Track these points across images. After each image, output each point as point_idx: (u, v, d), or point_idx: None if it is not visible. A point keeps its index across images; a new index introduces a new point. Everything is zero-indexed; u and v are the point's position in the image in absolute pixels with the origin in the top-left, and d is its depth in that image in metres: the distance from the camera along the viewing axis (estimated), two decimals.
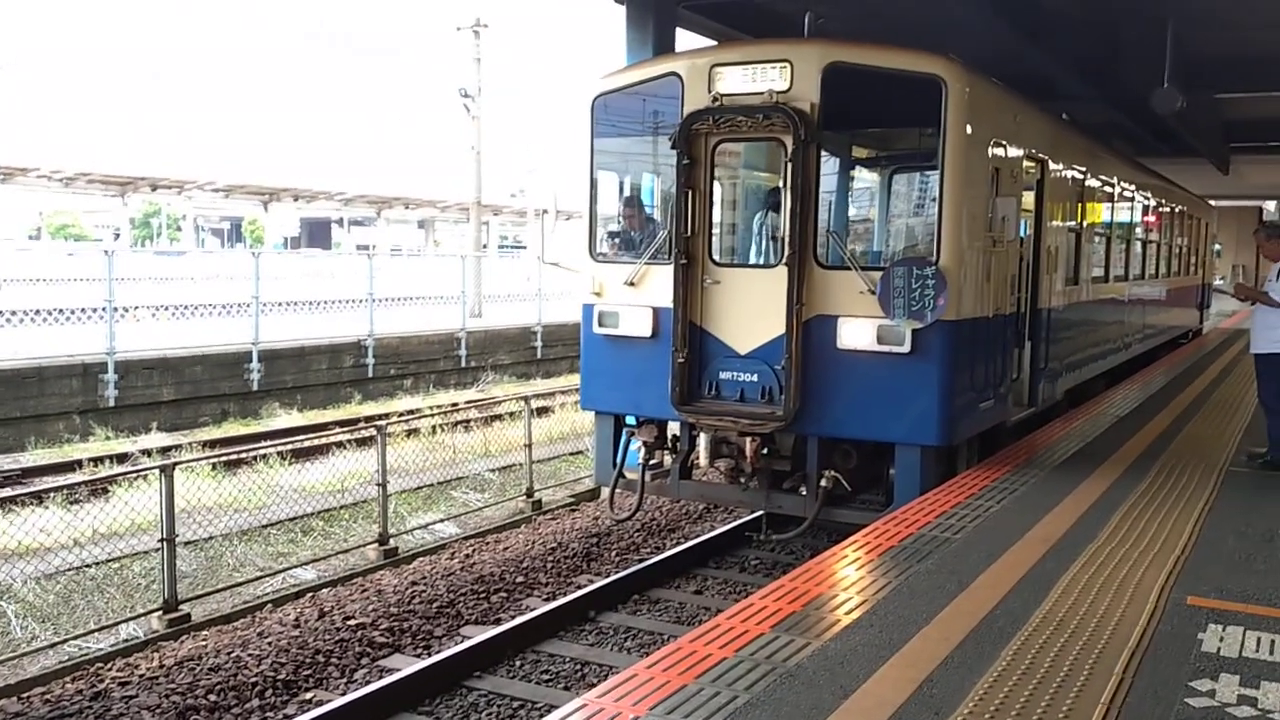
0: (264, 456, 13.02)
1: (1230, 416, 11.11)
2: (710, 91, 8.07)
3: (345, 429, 14.52)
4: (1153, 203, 16.45)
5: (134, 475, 10.66)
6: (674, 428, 8.72)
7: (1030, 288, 9.81)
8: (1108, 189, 13.01)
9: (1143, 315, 16.13)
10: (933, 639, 4.58)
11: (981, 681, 4.13)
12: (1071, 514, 6.80)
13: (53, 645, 7.65)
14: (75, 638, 7.81)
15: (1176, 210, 18.95)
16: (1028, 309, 9.79)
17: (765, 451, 8.18)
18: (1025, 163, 9.26)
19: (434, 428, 14.75)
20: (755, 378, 8.08)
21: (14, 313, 18.43)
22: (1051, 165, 10.11)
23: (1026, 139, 9.22)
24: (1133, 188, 14.67)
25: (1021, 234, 9.38)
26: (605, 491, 9.43)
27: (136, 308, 22.73)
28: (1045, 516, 6.72)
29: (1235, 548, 6.18)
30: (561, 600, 8.39)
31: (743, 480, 8.37)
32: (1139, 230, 15.59)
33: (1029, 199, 9.75)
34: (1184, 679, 4.22)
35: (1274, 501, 7.50)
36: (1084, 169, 11.61)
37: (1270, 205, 41.67)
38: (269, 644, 7.63)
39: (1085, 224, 11.79)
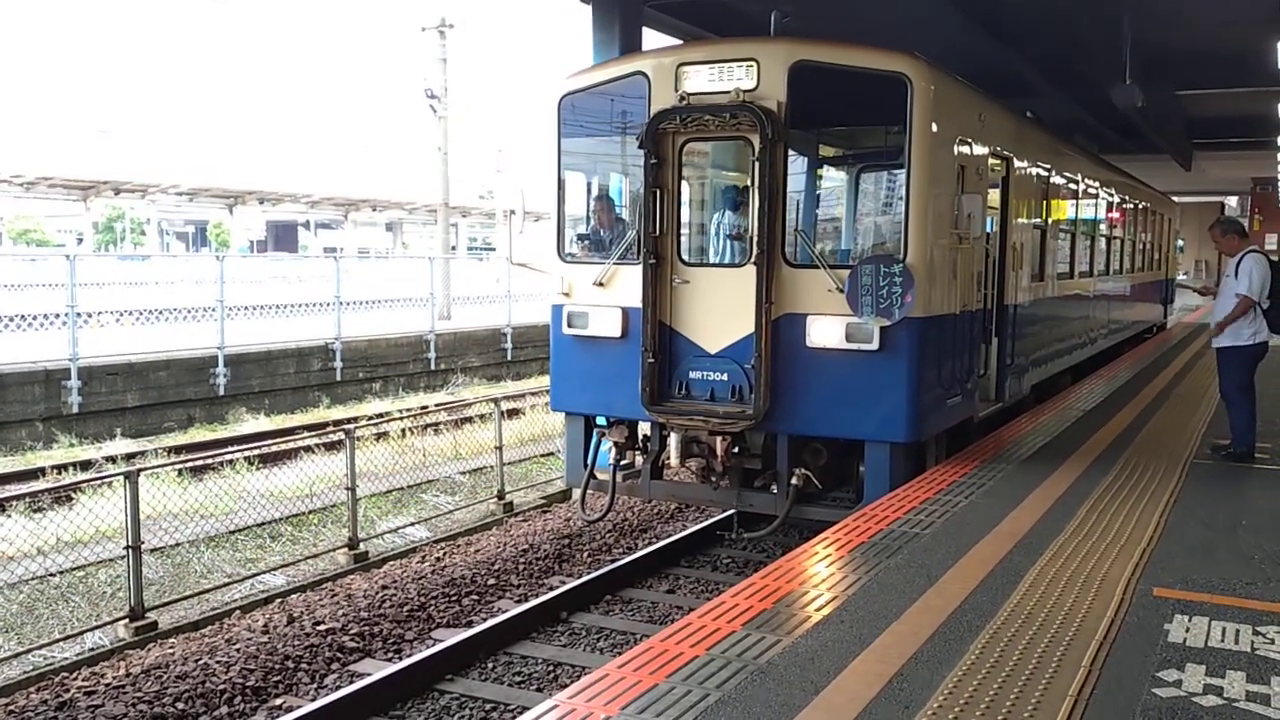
0: (231, 462, 12.89)
1: (1194, 409, 11.24)
2: (677, 91, 8.07)
3: (313, 433, 14.40)
4: (1116, 199, 16.62)
5: (98, 482, 10.52)
6: (645, 428, 8.71)
7: (996, 284, 9.88)
8: (1072, 186, 13.13)
9: (1108, 310, 16.30)
10: (902, 634, 4.60)
11: (950, 675, 4.15)
12: (1038, 508, 6.85)
13: (16, 655, 7.54)
14: (39, 647, 7.69)
15: (1140, 206, 19.16)
16: (994, 305, 9.86)
17: (736, 450, 8.19)
18: (990, 160, 9.33)
19: (403, 431, 14.67)
20: (725, 377, 8.09)
21: None
22: (1016, 162, 10.19)
23: (991, 136, 9.29)
24: (1097, 184, 14.81)
25: (987, 231, 9.45)
26: (576, 493, 9.40)
27: (100, 313, 22.47)
28: (1013, 511, 6.77)
29: (1200, 539, 6.25)
30: (533, 602, 8.36)
31: (714, 479, 8.38)
32: (1103, 226, 15.74)
33: (994, 196, 9.82)
34: (1151, 669, 4.26)
35: (1238, 493, 7.60)
36: (1049, 166, 11.71)
37: (1231, 200, 42.28)
38: (237, 651, 7.56)
39: (1050, 220, 11.90)
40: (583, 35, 12.69)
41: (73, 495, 10.89)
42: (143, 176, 40.94)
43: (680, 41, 13.09)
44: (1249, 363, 8.60)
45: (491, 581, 9.20)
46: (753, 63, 7.88)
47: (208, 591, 9.01)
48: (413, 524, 11.39)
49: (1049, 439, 9.36)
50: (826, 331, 7.77)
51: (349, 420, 15.12)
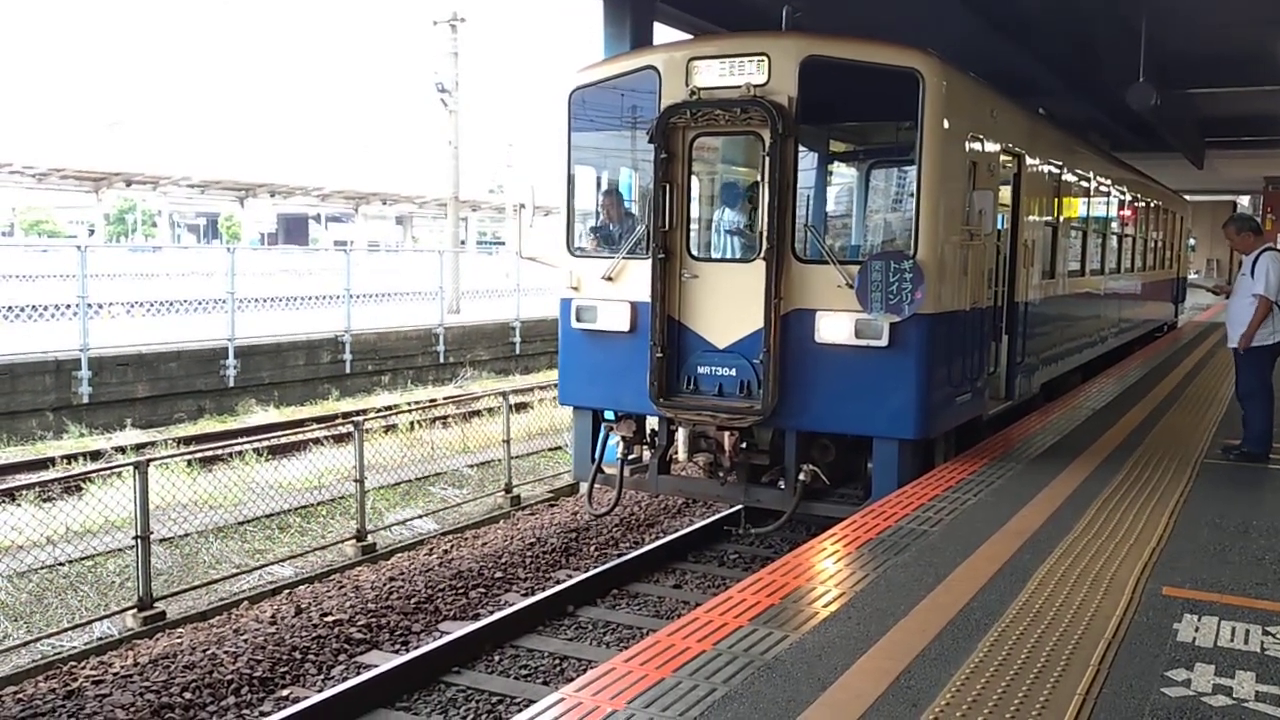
0: (240, 453, 12.92)
1: (1205, 409, 11.19)
2: (688, 85, 8.05)
3: (322, 425, 14.42)
4: (1128, 197, 16.55)
5: (108, 472, 10.56)
6: (652, 422, 8.70)
7: (1007, 281, 9.85)
8: (1084, 183, 13.08)
9: (1118, 309, 16.23)
10: (910, 631, 4.58)
11: (958, 674, 4.14)
12: (1048, 507, 6.83)
13: (25, 644, 7.56)
14: (48, 636, 7.72)
15: (1152, 205, 19.08)
16: (1005, 302, 9.82)
17: (744, 446, 8.18)
18: (1002, 157, 9.29)
19: (412, 424, 14.69)
20: (733, 372, 8.08)
21: None
22: (1028, 159, 10.15)
23: (1003, 133, 9.25)
24: (1109, 182, 14.75)
25: (999, 228, 9.41)
26: (584, 486, 9.40)
27: (111, 304, 22.54)
28: (1022, 509, 6.74)
29: (1210, 539, 6.22)
30: (540, 595, 8.37)
31: (721, 474, 8.37)
32: (1115, 224, 15.68)
33: (1006, 193, 9.78)
34: (1160, 669, 4.24)
35: (1248, 493, 7.56)
36: (1060, 163, 11.66)
37: (1244, 199, 42.11)
38: (245, 641, 7.58)
39: (1062, 218, 11.85)
40: (594, 30, 12.69)
41: (82, 485, 10.93)
42: (154, 169, 41.03)
43: (691, 36, 13.07)
44: (1268, 363, 8.54)
45: (498, 574, 9.21)
46: (764, 57, 7.86)
47: (216, 582, 9.04)
48: (420, 516, 11.40)
49: (1059, 437, 9.32)
50: (835, 327, 7.75)
51: (358, 412, 15.13)
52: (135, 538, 8.07)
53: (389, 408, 17.29)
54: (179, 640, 7.72)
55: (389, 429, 14.06)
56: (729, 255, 8.63)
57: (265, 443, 12.76)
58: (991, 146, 8.86)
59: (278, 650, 7.42)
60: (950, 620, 4.73)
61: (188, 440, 14.95)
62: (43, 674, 7.13)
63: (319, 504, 11.48)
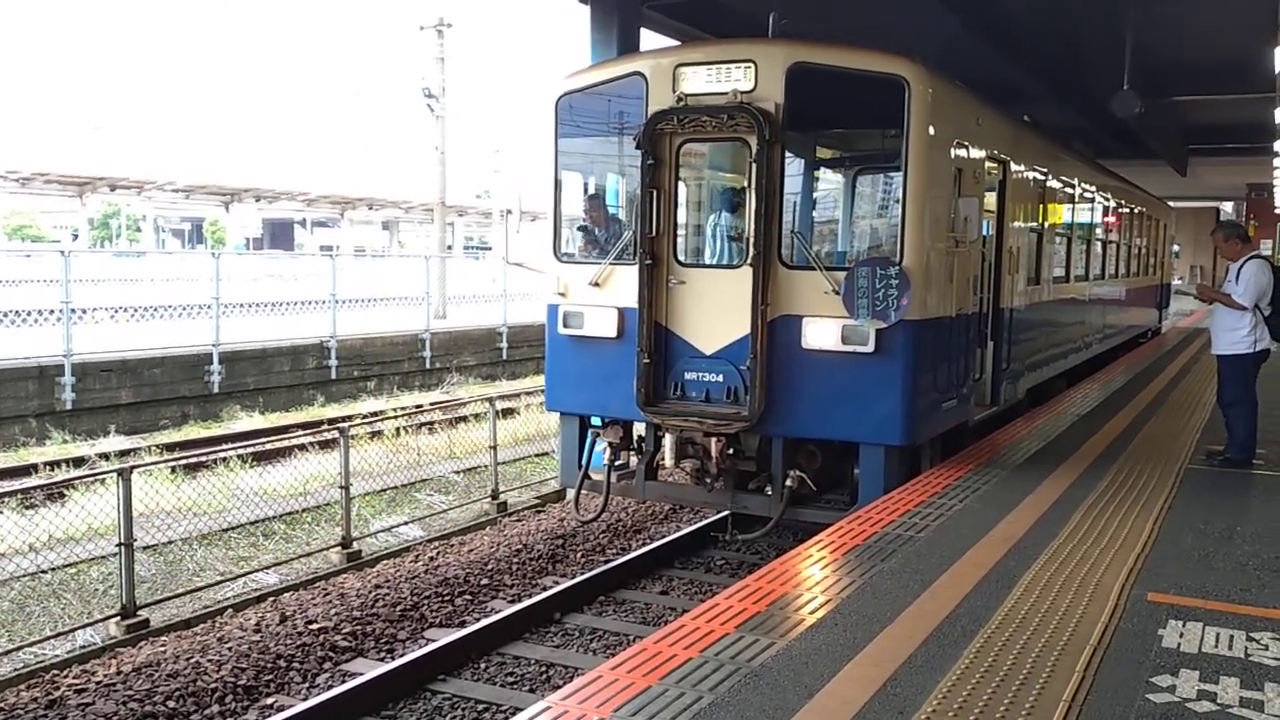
0: (225, 459, 12.86)
1: (1189, 415, 11.24)
2: (675, 91, 8.06)
3: (308, 431, 14.37)
4: (1112, 204, 16.63)
5: (91, 479, 10.48)
6: (639, 428, 8.70)
7: (992, 288, 9.88)
8: (1068, 190, 13.13)
9: (1103, 315, 16.30)
10: (896, 638, 4.59)
11: (944, 680, 4.14)
12: (1033, 513, 6.84)
13: (6, 653, 7.51)
14: (30, 645, 7.66)
15: (1136, 211, 19.17)
16: (990, 309, 9.85)
17: (730, 452, 8.17)
18: (987, 164, 9.32)
19: (398, 430, 14.65)
20: (720, 378, 8.08)
21: None
22: (1013, 166, 10.19)
23: (989, 140, 9.28)
24: (1093, 189, 14.82)
25: (984, 234, 9.44)
26: (571, 493, 9.38)
27: (95, 309, 22.42)
28: (1007, 515, 6.76)
29: (1194, 545, 6.24)
30: (527, 602, 8.35)
31: (708, 481, 8.37)
32: (1099, 231, 15.75)
33: (991, 200, 9.81)
34: (1145, 675, 4.25)
35: (1232, 499, 7.59)
36: (1045, 170, 11.71)
37: (1227, 206, 42.40)
38: (229, 649, 7.53)
39: (1046, 224, 11.89)
40: (581, 36, 12.69)
41: (65, 492, 10.86)
42: (139, 173, 40.89)
43: (678, 42, 13.09)
44: (1251, 370, 8.60)
45: (485, 581, 9.18)
46: (750, 64, 7.87)
47: (200, 589, 8.98)
48: (406, 523, 11.36)
49: (1044, 443, 9.35)
50: (822, 333, 7.76)
51: (343, 419, 15.07)
52: (118, 545, 8.02)
53: (375, 414, 17.23)
54: (162, 648, 7.68)
55: (375, 435, 14.01)
56: (716, 261, 8.64)
57: (250, 449, 12.70)
58: (977, 153, 8.89)
59: (262, 658, 7.38)
60: (936, 627, 4.73)
61: (172, 447, 14.86)
62: (24, 683, 7.08)
63: (304, 511, 11.43)
